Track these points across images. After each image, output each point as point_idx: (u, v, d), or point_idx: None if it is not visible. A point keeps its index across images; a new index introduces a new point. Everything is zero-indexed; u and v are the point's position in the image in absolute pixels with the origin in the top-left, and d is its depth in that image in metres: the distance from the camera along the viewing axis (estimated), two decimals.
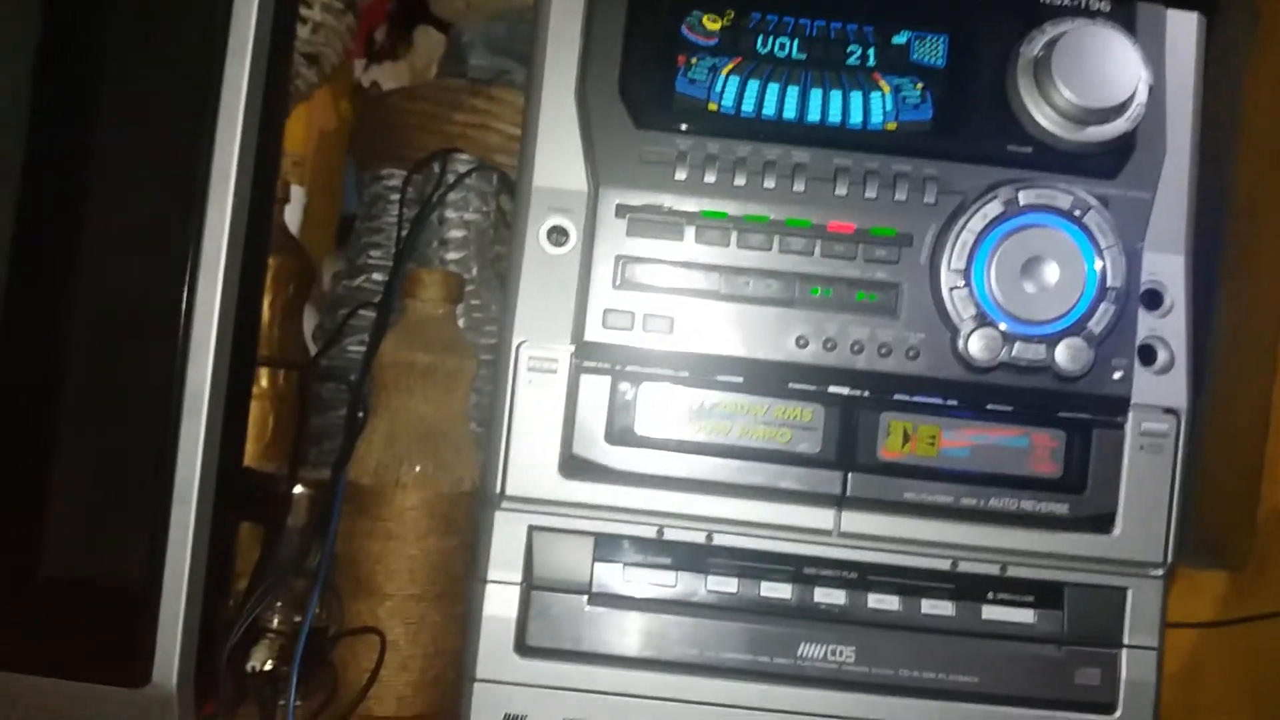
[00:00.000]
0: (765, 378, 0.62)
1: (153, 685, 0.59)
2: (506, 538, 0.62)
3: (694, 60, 0.63)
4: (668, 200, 0.62)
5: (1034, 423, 0.62)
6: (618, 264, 0.62)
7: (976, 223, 0.61)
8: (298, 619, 0.71)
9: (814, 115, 0.63)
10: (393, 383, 0.72)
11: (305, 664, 0.66)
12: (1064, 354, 0.60)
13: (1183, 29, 0.65)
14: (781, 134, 0.63)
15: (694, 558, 0.63)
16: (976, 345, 0.60)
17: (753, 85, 0.63)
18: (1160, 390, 0.63)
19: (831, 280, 0.62)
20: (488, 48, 1.04)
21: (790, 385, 0.62)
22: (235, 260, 0.61)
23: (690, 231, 0.62)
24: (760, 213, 0.62)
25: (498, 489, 0.62)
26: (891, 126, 0.63)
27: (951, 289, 0.61)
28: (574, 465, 0.62)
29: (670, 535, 0.63)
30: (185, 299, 0.59)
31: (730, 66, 0.63)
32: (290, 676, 0.65)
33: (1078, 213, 0.61)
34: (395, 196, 0.87)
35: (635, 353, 0.62)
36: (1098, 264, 0.60)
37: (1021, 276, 0.60)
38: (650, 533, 0.63)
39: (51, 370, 0.59)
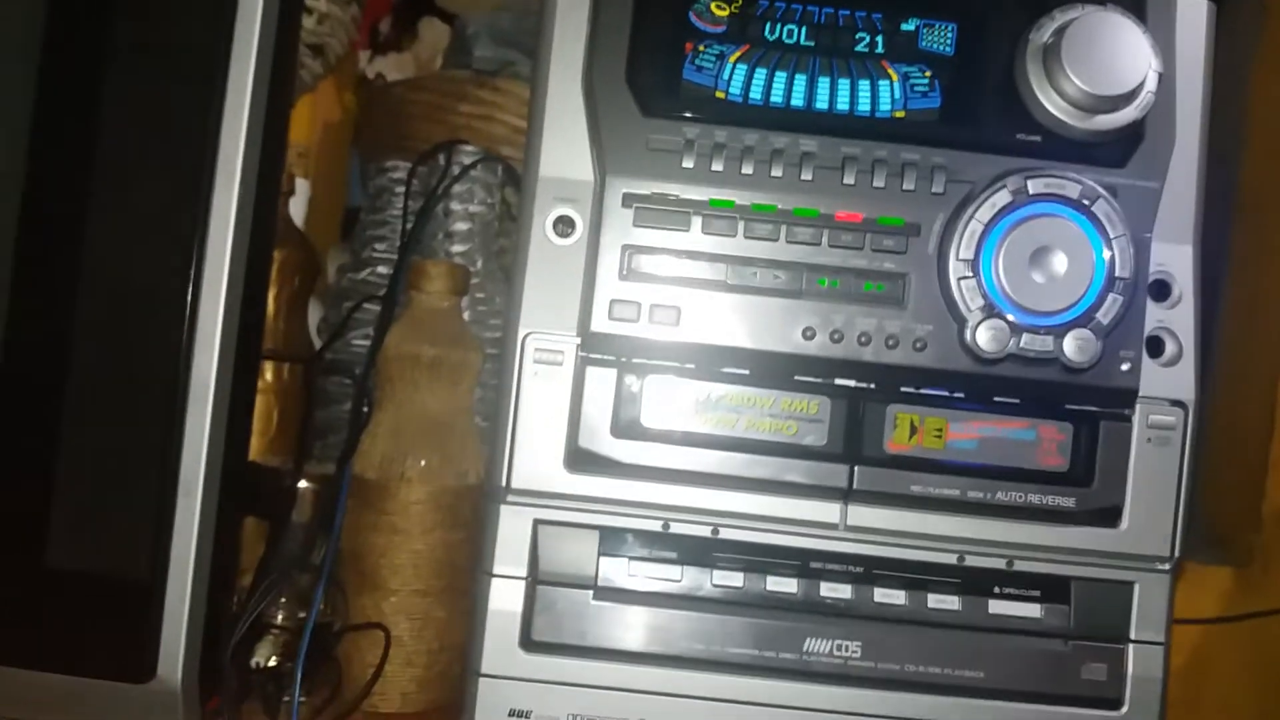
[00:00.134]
0: (772, 370, 0.62)
1: (157, 680, 0.59)
2: (511, 532, 0.62)
3: (702, 47, 0.63)
4: (675, 189, 0.62)
5: (1041, 415, 0.62)
6: (624, 254, 0.62)
7: (985, 212, 0.60)
8: (302, 614, 0.71)
9: (822, 103, 0.62)
10: (397, 376, 0.72)
11: (310, 659, 0.66)
12: (1072, 345, 0.59)
13: (1193, 17, 0.65)
14: (789, 122, 0.62)
15: (699, 552, 0.63)
16: (984, 336, 0.60)
17: (760, 73, 0.63)
18: (1168, 382, 0.62)
19: (839, 271, 0.61)
20: (492, 39, 1.04)
21: (797, 377, 0.62)
22: (240, 253, 0.61)
23: (697, 221, 0.62)
24: (768, 202, 0.62)
25: (503, 482, 0.62)
26: (900, 114, 0.62)
27: (959, 279, 0.60)
28: (579, 458, 0.61)
29: (676, 529, 0.63)
30: (190, 292, 0.59)
31: (738, 54, 0.63)
32: (295, 672, 0.65)
33: (1086, 202, 0.60)
34: (400, 189, 0.87)
35: (641, 344, 0.62)
36: (1106, 254, 0.60)
37: (1030, 266, 0.60)
38: (656, 526, 0.63)
39: (57, 363, 0.59)
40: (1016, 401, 0.62)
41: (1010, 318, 0.60)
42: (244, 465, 0.67)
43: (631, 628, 0.62)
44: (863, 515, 0.62)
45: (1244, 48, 0.90)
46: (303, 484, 0.75)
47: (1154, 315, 0.62)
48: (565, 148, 0.63)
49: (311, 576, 0.71)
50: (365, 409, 0.74)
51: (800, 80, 0.63)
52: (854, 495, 0.62)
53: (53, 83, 0.59)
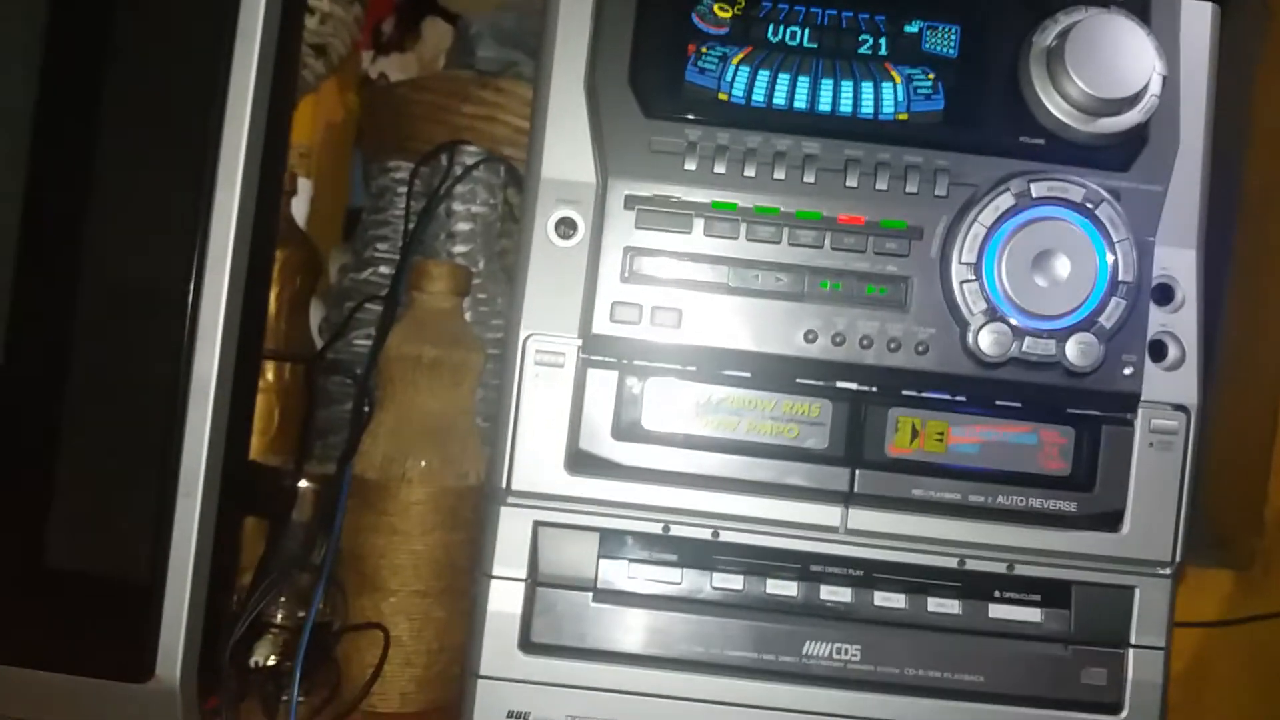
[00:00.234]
0: (773, 372, 0.62)
1: (156, 680, 0.58)
2: (511, 533, 0.62)
3: (704, 49, 0.62)
4: (677, 191, 0.62)
5: (1043, 419, 0.62)
6: (626, 256, 0.62)
7: (988, 215, 0.60)
8: (302, 614, 0.71)
9: (825, 105, 0.62)
10: (399, 376, 0.72)
11: (309, 659, 0.66)
12: (1074, 349, 0.59)
13: (1197, 20, 0.65)
14: (792, 124, 0.62)
15: (700, 554, 0.63)
16: (986, 340, 0.59)
17: (763, 75, 0.62)
18: (1170, 387, 0.62)
19: (841, 274, 0.61)
20: (496, 39, 1.03)
21: (798, 380, 0.62)
22: (242, 252, 0.61)
23: (699, 223, 0.62)
24: (770, 204, 0.62)
25: (503, 484, 0.61)
26: (903, 117, 0.62)
27: (962, 283, 0.60)
28: (580, 460, 0.61)
29: (676, 531, 0.63)
30: (192, 291, 0.59)
31: (741, 56, 0.63)
32: (293, 672, 0.64)
33: (1090, 205, 0.60)
34: (402, 189, 0.87)
35: (643, 346, 0.61)
36: (1109, 258, 0.60)
37: (1032, 270, 0.59)
38: (656, 529, 0.63)
39: (57, 361, 0.59)
40: (1018, 405, 0.62)
41: (1013, 321, 0.60)
42: (244, 465, 0.67)
43: (631, 630, 0.62)
44: (863, 519, 0.62)
45: (1248, 50, 0.90)
46: (303, 484, 0.75)
47: (1157, 319, 0.62)
48: (567, 149, 0.62)
49: (311, 576, 0.71)
50: (366, 409, 0.74)
51: (803, 82, 0.62)
52: (855, 499, 0.62)
53: (54, 82, 0.59)
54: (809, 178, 0.62)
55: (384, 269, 0.87)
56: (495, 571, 0.62)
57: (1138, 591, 0.63)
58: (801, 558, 0.63)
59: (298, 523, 0.73)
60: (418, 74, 1.21)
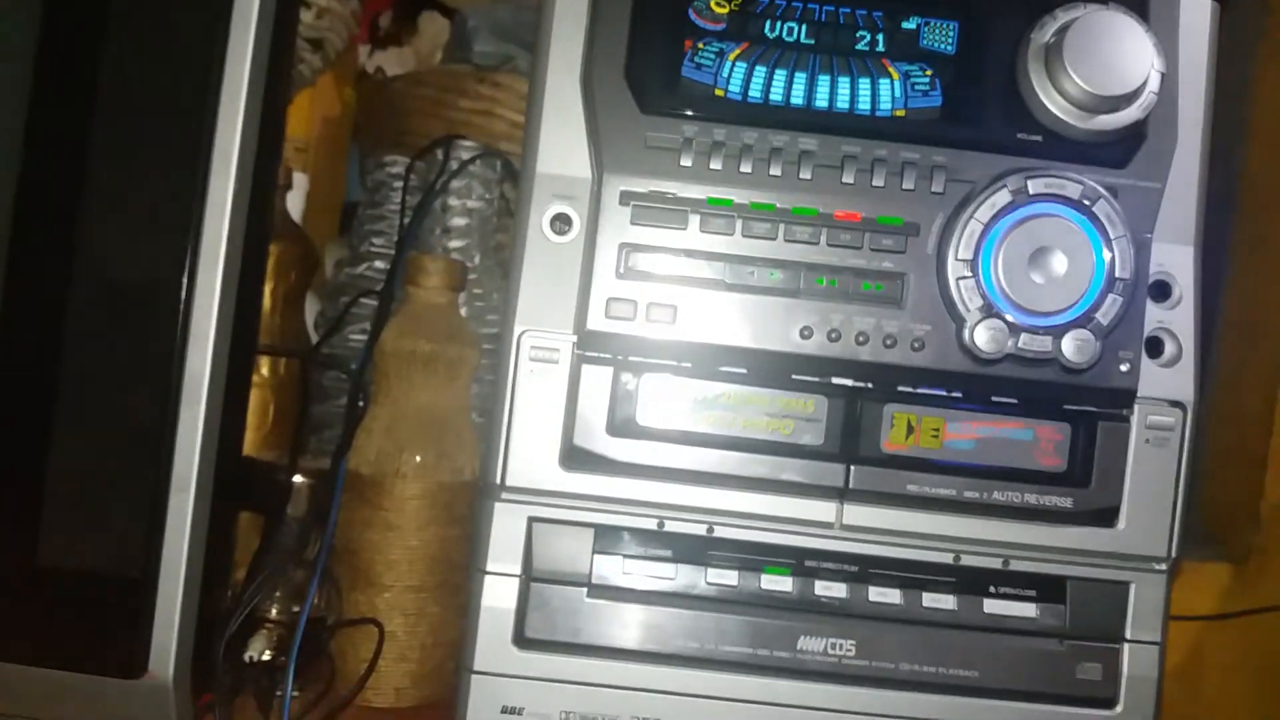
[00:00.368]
0: (769, 369, 0.62)
1: (149, 676, 0.58)
2: (506, 529, 0.62)
3: (701, 45, 0.62)
4: (672, 187, 0.61)
5: (1039, 415, 0.62)
6: (621, 252, 0.61)
7: (984, 212, 0.60)
8: (296, 609, 0.71)
9: (822, 101, 0.62)
10: (394, 371, 0.72)
11: (303, 654, 0.66)
12: (1070, 346, 0.59)
13: (1196, 16, 0.64)
14: (789, 120, 0.62)
15: (694, 550, 0.63)
16: (982, 336, 0.59)
17: (760, 71, 0.62)
18: (1167, 383, 0.62)
19: (837, 270, 0.61)
20: (493, 33, 1.03)
21: (794, 376, 0.62)
22: (236, 246, 0.60)
23: (695, 220, 0.61)
24: (766, 201, 0.61)
25: (497, 480, 0.61)
26: (900, 113, 0.62)
27: (958, 279, 0.60)
28: (575, 456, 0.61)
29: (671, 527, 0.63)
30: (185, 285, 0.59)
31: (738, 52, 0.62)
32: (288, 667, 0.64)
33: (1087, 202, 0.60)
34: (398, 183, 0.87)
35: (638, 343, 0.61)
36: (1106, 255, 0.60)
37: (1029, 267, 0.59)
38: (651, 525, 0.63)
39: (49, 357, 0.58)
40: (1014, 402, 0.62)
41: (1009, 318, 0.59)
42: (238, 460, 0.67)
43: (625, 625, 0.62)
44: (859, 514, 0.62)
45: (1247, 47, 0.89)
46: (298, 479, 0.75)
47: (1154, 316, 0.62)
48: (563, 145, 0.62)
49: (306, 571, 0.70)
50: (361, 404, 0.73)
51: (800, 78, 0.62)
52: (850, 494, 0.62)
53: (48, 75, 0.59)
54: (805, 174, 0.61)
55: (380, 264, 0.87)
56: (490, 567, 0.62)
57: (1133, 587, 0.63)
58: (796, 553, 0.63)
59: (292, 518, 0.73)
60: (415, 68, 1.21)
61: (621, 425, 0.61)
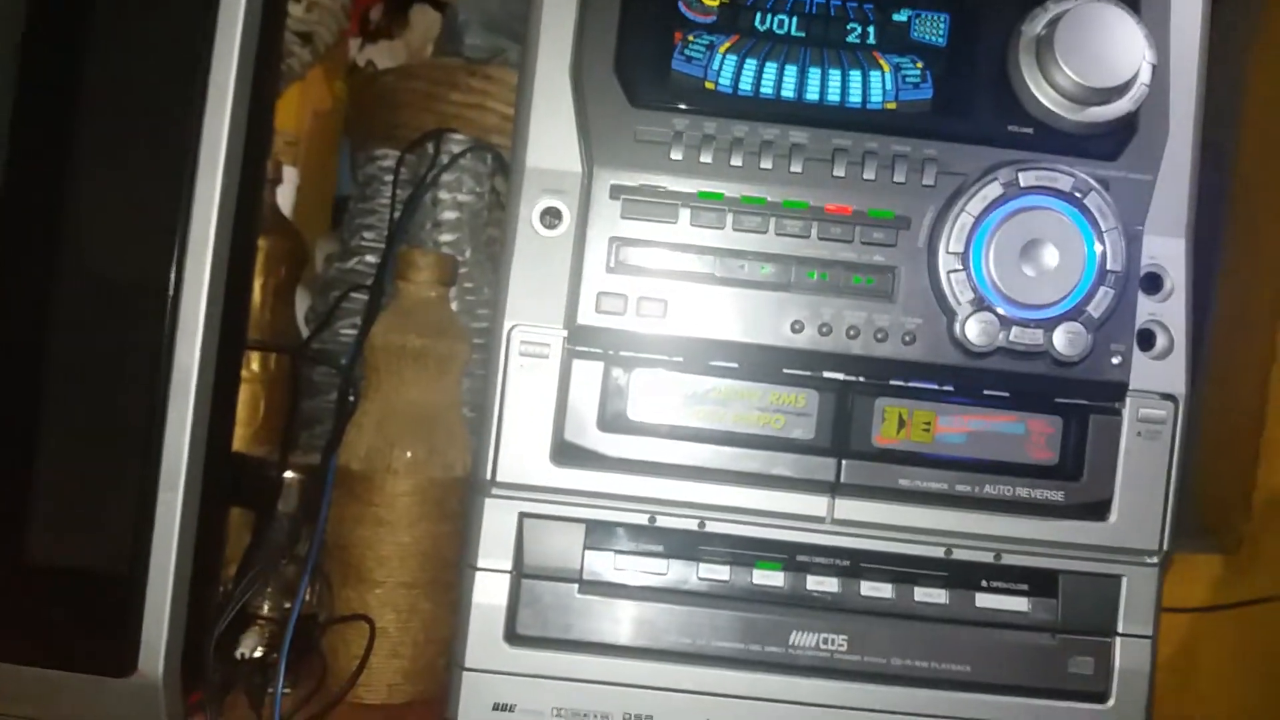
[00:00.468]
0: (760, 363, 0.61)
1: (139, 674, 0.58)
2: (497, 525, 0.62)
3: (691, 37, 0.62)
4: (663, 181, 0.61)
5: (1031, 409, 0.62)
6: (611, 246, 0.61)
7: (975, 205, 0.60)
8: (288, 605, 0.70)
9: (813, 94, 0.62)
10: (384, 366, 0.72)
11: (295, 651, 0.66)
12: (1062, 339, 0.59)
13: (1188, 7, 0.64)
14: (779, 113, 0.61)
15: (686, 545, 0.63)
16: (974, 330, 0.59)
17: (750, 63, 0.62)
18: (1159, 375, 0.62)
19: (828, 264, 0.61)
20: (484, 26, 1.03)
21: (785, 370, 0.62)
22: (224, 241, 0.60)
23: (685, 213, 0.61)
24: (757, 194, 0.61)
25: (488, 476, 0.61)
26: (891, 106, 0.62)
27: (949, 272, 0.60)
28: (565, 452, 0.61)
29: (662, 522, 0.63)
30: (173, 280, 0.59)
31: (728, 44, 0.62)
32: (278, 664, 0.64)
33: (1078, 195, 0.60)
34: (389, 177, 0.86)
35: (628, 337, 0.61)
36: (1098, 247, 0.59)
37: (1020, 259, 0.59)
38: (642, 520, 0.62)
39: (37, 353, 0.58)
40: (1006, 395, 0.62)
41: (1000, 311, 0.59)
42: (228, 456, 0.66)
43: (617, 621, 0.62)
44: (850, 509, 0.62)
45: (1239, 38, 0.89)
46: (289, 475, 0.74)
47: (1145, 308, 0.62)
48: (553, 138, 0.62)
49: (297, 568, 0.70)
50: (351, 399, 0.73)
51: (791, 71, 0.62)
52: (841, 489, 0.61)
53: (34, 68, 0.59)
54: (796, 167, 0.61)
55: (370, 258, 0.87)
56: (480, 563, 0.62)
57: (1125, 580, 0.63)
58: (788, 548, 0.63)
59: (283, 514, 0.73)
60: (406, 61, 1.20)
61: (612, 420, 0.61)
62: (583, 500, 0.62)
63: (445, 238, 0.86)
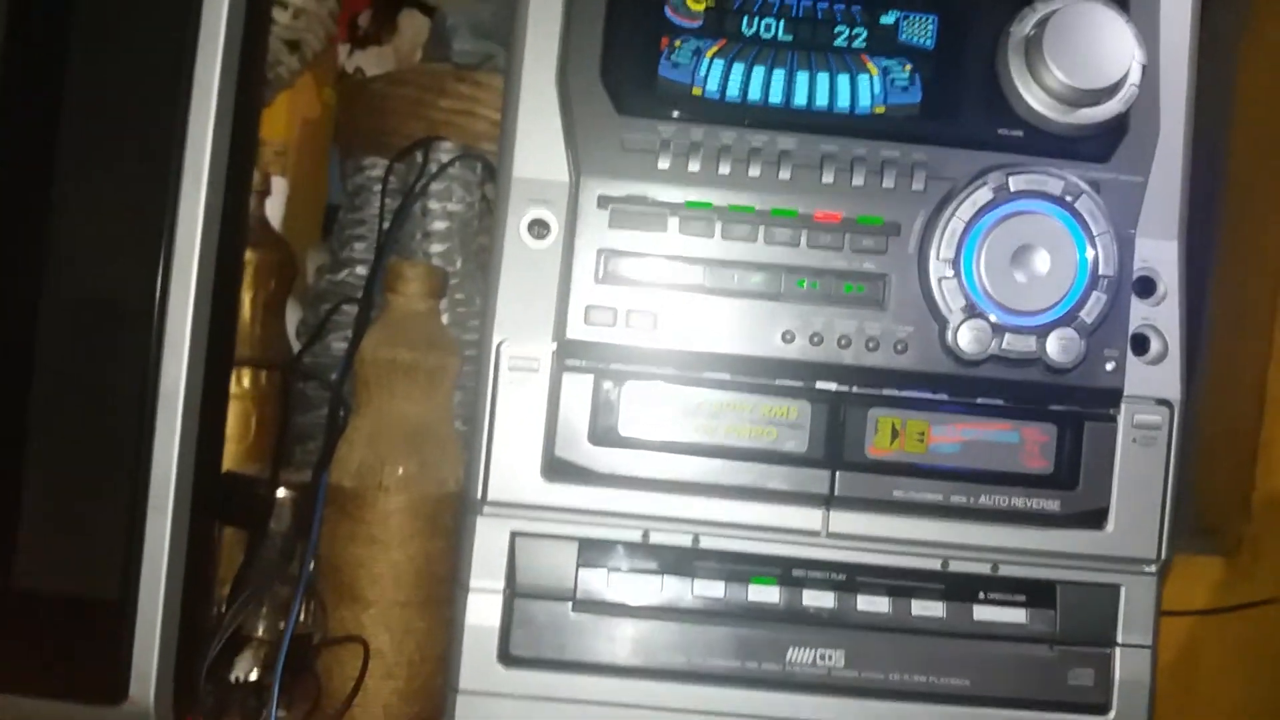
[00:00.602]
0: (751, 374, 0.61)
1: (130, 701, 0.58)
2: (488, 544, 0.61)
3: (678, 43, 0.61)
4: (651, 190, 0.61)
5: (1025, 417, 0.61)
6: (600, 257, 0.60)
7: (966, 210, 0.59)
8: (283, 626, 0.70)
9: (800, 99, 0.61)
10: (374, 381, 0.71)
11: (289, 672, 0.65)
12: (1055, 345, 0.58)
13: (1177, 5, 0.63)
14: (767, 119, 0.61)
15: (680, 561, 0.62)
16: (966, 337, 0.59)
17: (738, 69, 0.61)
18: (1153, 381, 0.61)
19: (818, 272, 0.60)
20: (472, 31, 1.02)
21: (776, 381, 0.61)
22: (210, 255, 0.59)
23: (674, 223, 0.61)
24: (746, 202, 0.61)
25: (478, 494, 0.61)
26: (880, 110, 0.61)
27: (940, 279, 0.59)
28: (557, 468, 0.60)
29: (656, 538, 0.62)
30: (158, 299, 0.58)
31: (715, 49, 0.61)
32: (272, 686, 0.64)
33: (1069, 198, 0.59)
34: (378, 187, 0.86)
35: (618, 350, 0.60)
36: (1089, 252, 0.59)
37: (1012, 265, 0.58)
38: (635, 536, 0.62)
39: (19, 373, 0.57)
40: (1000, 403, 0.61)
41: (992, 318, 0.59)
42: (218, 476, 0.66)
43: (611, 640, 0.61)
44: (845, 521, 0.61)
45: (1230, 36, 0.89)
46: (281, 492, 0.74)
47: (1139, 312, 0.61)
48: (539, 148, 0.61)
49: (291, 587, 0.70)
50: (341, 414, 0.73)
51: (778, 76, 0.61)
52: (836, 501, 0.61)
53: (13, 79, 0.58)
54: (784, 174, 0.61)
55: (361, 269, 0.86)
56: (473, 584, 0.61)
57: (1123, 590, 0.62)
58: (783, 562, 0.62)
59: (276, 532, 0.73)
60: (395, 68, 1.19)
61: (603, 435, 0.61)
62: (575, 517, 0.61)
63: (436, 248, 0.85)
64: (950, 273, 0.59)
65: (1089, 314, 0.59)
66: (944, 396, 0.61)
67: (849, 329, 0.60)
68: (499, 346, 0.61)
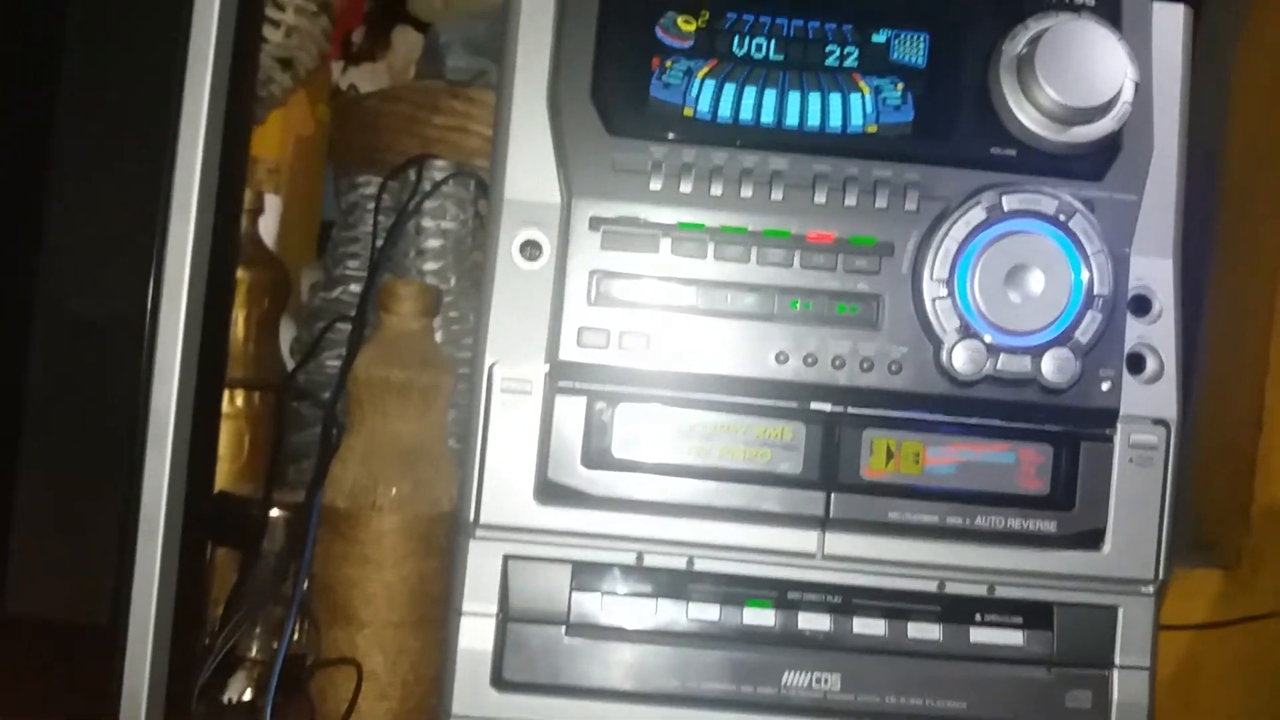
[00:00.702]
0: (745, 395, 0.60)
1: None
2: (481, 568, 0.61)
3: (669, 63, 0.61)
4: (642, 212, 0.60)
5: (1020, 437, 0.61)
6: (592, 279, 0.60)
7: (959, 230, 0.59)
8: (277, 646, 0.69)
9: (792, 119, 0.61)
10: (367, 400, 0.71)
11: (283, 693, 0.65)
12: (1050, 365, 0.58)
13: (1169, 22, 0.63)
14: (759, 140, 0.61)
15: (675, 585, 0.62)
16: (960, 358, 0.58)
17: (729, 89, 0.61)
18: (1150, 400, 0.61)
19: (811, 293, 0.60)
20: (465, 48, 1.02)
21: (771, 402, 0.61)
22: (201, 274, 0.59)
23: (666, 244, 0.60)
24: (738, 223, 0.60)
25: (471, 517, 0.60)
26: (872, 129, 0.61)
27: (934, 299, 0.59)
28: (550, 490, 0.60)
29: (650, 561, 0.61)
30: (148, 320, 0.57)
31: (706, 69, 0.61)
32: (265, 708, 0.63)
33: (1063, 217, 0.59)
34: (372, 204, 0.85)
35: (611, 372, 0.60)
36: (1084, 271, 0.59)
37: (1006, 285, 0.58)
38: (629, 559, 0.61)
39: (9, 394, 0.57)
40: (995, 424, 0.61)
41: (987, 338, 0.58)
42: (210, 497, 0.66)
43: (606, 664, 0.61)
44: (840, 543, 0.61)
45: (1223, 51, 0.89)
46: (275, 512, 0.73)
47: (1134, 331, 0.61)
48: (531, 169, 0.61)
49: (285, 608, 0.69)
50: (335, 434, 0.72)
51: (770, 96, 0.61)
52: (831, 523, 0.61)
53: (1, 102, 0.57)
54: (777, 195, 0.60)
55: (355, 287, 0.86)
56: (465, 608, 0.61)
57: (1121, 611, 0.62)
58: (779, 585, 0.62)
59: (270, 552, 0.72)
60: (389, 84, 1.19)
61: (597, 457, 0.60)
62: (568, 540, 0.61)
63: (429, 266, 0.85)
64: (944, 293, 0.59)
65: (1084, 334, 0.59)
66: (939, 417, 0.61)
67: (843, 350, 0.60)
68: (491, 369, 0.60)
